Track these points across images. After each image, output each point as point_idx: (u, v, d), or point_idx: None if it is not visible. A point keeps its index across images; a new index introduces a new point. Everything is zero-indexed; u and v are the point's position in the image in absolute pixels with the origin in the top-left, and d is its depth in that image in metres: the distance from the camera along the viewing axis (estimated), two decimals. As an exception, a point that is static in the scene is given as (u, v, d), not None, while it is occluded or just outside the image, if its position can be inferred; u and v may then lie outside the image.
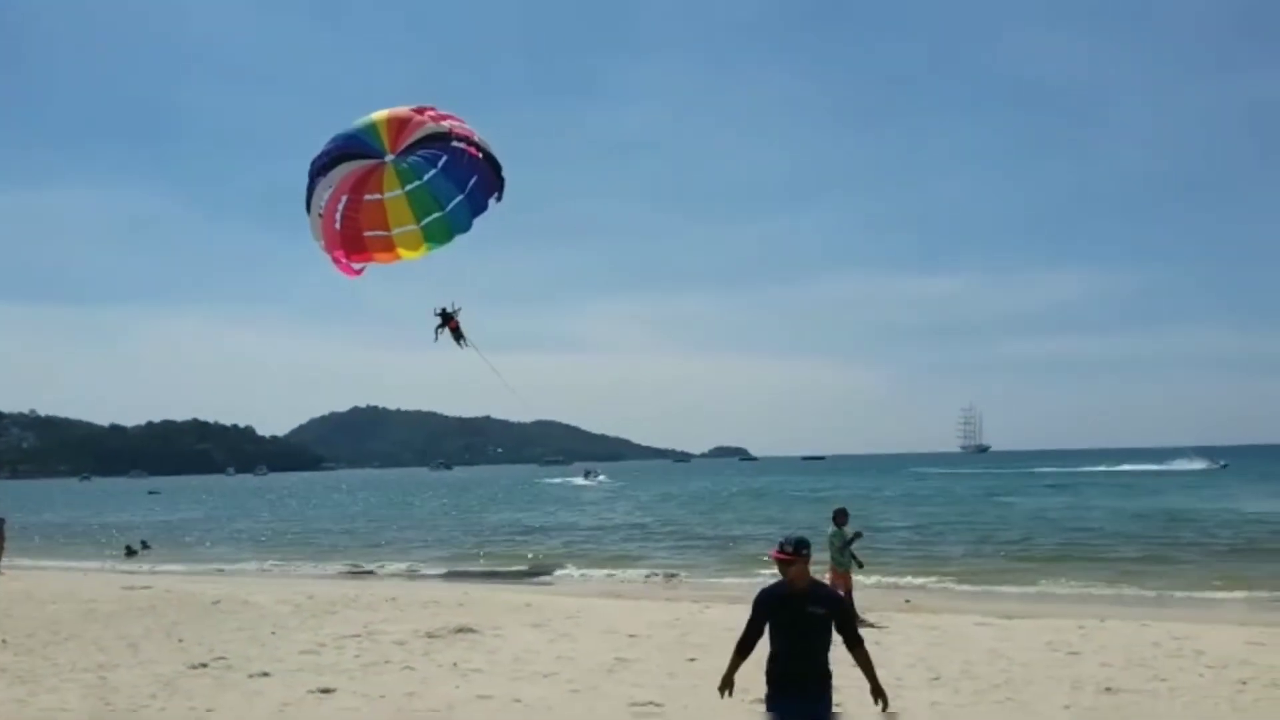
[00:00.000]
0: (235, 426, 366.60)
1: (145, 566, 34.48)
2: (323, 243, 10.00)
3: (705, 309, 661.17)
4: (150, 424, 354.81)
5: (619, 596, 21.81)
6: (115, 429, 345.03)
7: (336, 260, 10.16)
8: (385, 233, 9.47)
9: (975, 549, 33.15)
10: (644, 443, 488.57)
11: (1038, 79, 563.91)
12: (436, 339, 11.54)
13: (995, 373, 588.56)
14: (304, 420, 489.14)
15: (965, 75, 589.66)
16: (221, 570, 33.26)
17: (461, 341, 11.48)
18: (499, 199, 9.95)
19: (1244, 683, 11.38)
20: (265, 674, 12.48)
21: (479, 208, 9.71)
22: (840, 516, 16.81)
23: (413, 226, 9.48)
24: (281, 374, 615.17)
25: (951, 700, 10.86)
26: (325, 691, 11.45)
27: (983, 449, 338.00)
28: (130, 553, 39.89)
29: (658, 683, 11.83)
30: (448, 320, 11.34)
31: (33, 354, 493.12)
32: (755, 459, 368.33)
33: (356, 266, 10.13)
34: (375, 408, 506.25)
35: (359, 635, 15.52)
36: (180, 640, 15.31)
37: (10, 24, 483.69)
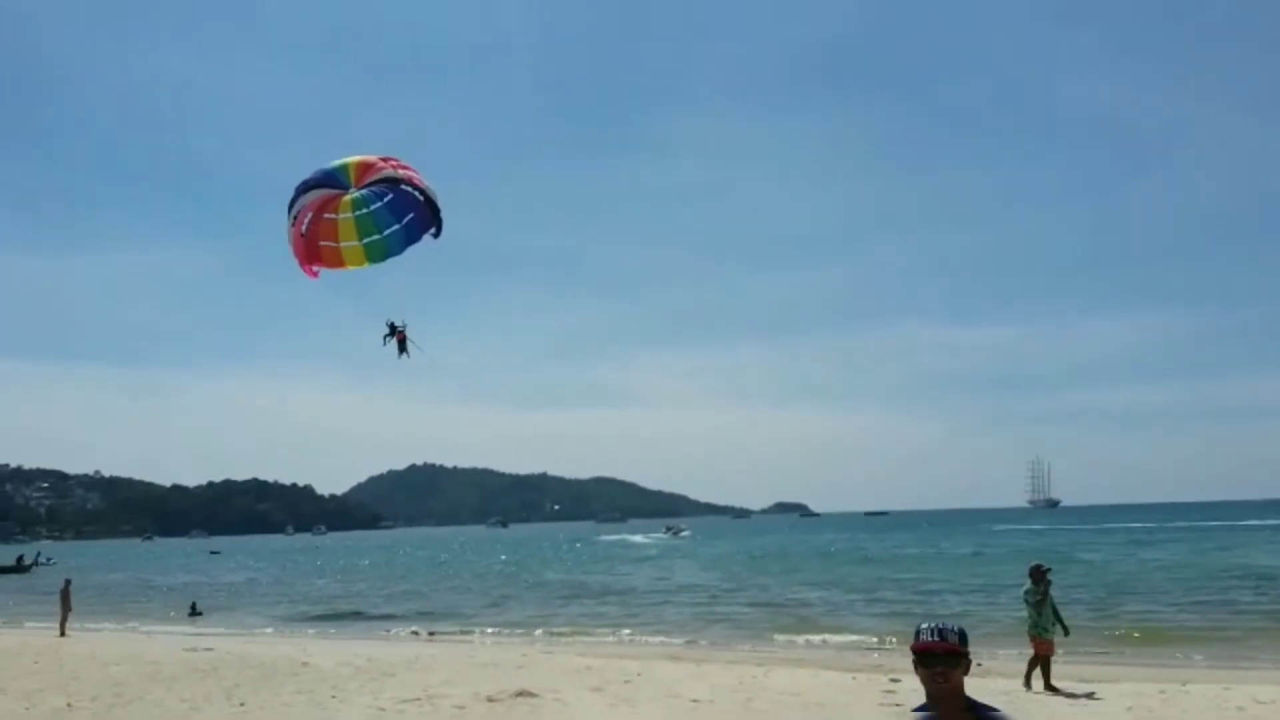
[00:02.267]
0: (294, 485, 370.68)
1: (208, 629, 34.67)
2: (291, 246, 12.35)
3: (761, 360, 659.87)
4: (211, 484, 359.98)
5: (679, 659, 21.46)
6: (177, 489, 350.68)
7: (302, 263, 12.43)
8: (335, 244, 12.06)
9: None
10: (702, 499, 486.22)
11: (1092, 120, 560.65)
12: (385, 344, 13.17)
13: (1059, 423, 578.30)
14: (362, 479, 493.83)
15: (1019, 117, 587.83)
16: (281, 632, 33.35)
17: (404, 354, 13.19)
18: (436, 235, 12.30)
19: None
20: (326, 739, 12.39)
21: (413, 238, 12.14)
22: (1038, 573, 15.76)
23: (355, 243, 11.98)
24: (340, 432, 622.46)
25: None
26: (386, 758, 11.31)
27: (1053, 503, 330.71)
28: (195, 613, 40.21)
29: (722, 750, 11.56)
30: (394, 332, 13.07)
31: (96, 415, 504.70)
32: (816, 515, 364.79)
33: (315, 269, 12.51)
34: (433, 465, 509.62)
35: (419, 699, 15.39)
36: (242, 704, 15.30)
37: (61, 90, 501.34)
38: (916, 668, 4.10)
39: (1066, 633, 15.74)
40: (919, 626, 4.15)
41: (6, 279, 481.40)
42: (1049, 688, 15.21)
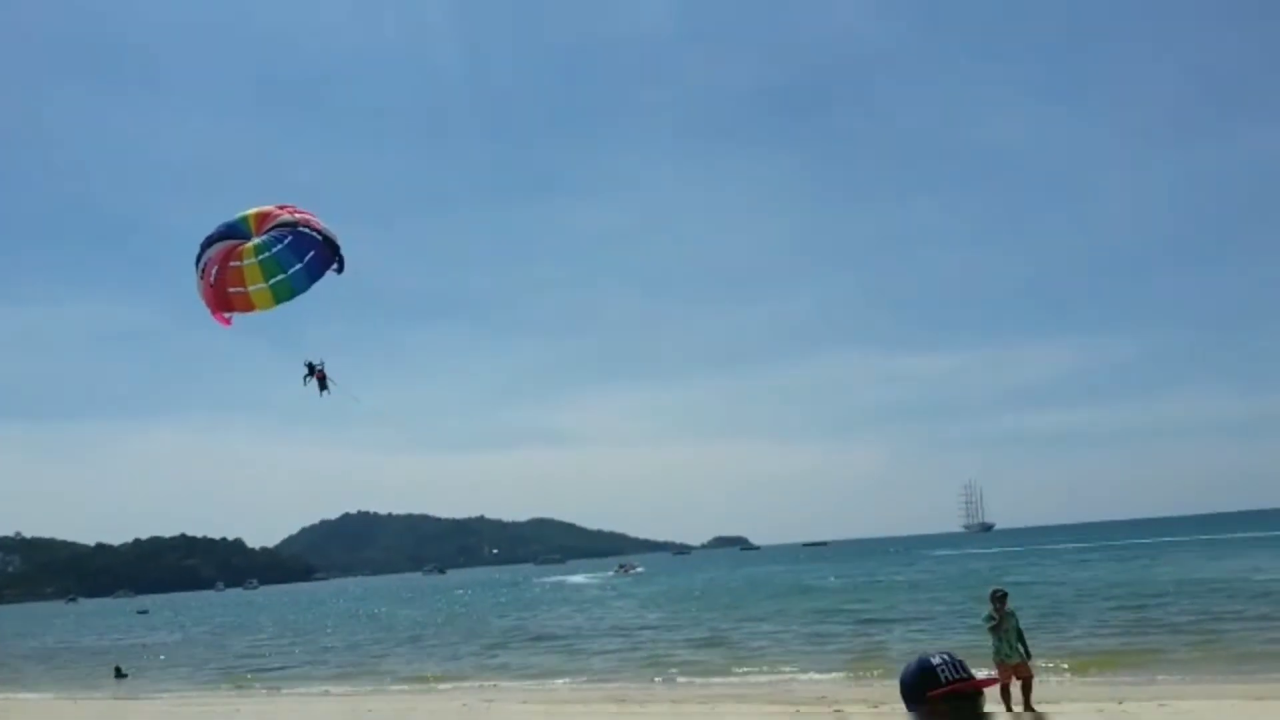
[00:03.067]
0: (224, 539, 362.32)
1: (135, 693, 33.56)
2: (202, 299, 13.02)
3: (699, 396, 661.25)
4: (137, 541, 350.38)
5: (623, 701, 21.24)
6: (101, 548, 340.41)
7: (214, 311, 13.04)
8: (244, 289, 12.68)
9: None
10: (642, 536, 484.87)
11: (1024, 152, 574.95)
12: (305, 384, 13.77)
13: (994, 448, 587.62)
14: (294, 530, 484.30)
15: (953, 150, 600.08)
16: (212, 693, 32.42)
17: (324, 392, 13.79)
18: (340, 270, 13.03)
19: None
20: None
21: (315, 276, 12.81)
22: (994, 598, 15.67)
23: (262, 285, 12.60)
24: (269, 483, 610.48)
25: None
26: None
27: (987, 527, 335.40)
28: (120, 676, 38.96)
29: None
30: (313, 371, 13.76)
31: (14, 474, 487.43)
32: (757, 548, 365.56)
33: (226, 316, 13.07)
34: (366, 513, 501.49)
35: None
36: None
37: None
38: (931, 715, 3.12)
39: (1027, 656, 15.55)
40: (924, 663, 3.18)
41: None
42: (1027, 708, 15.21)
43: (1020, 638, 15.37)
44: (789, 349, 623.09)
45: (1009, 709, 15.16)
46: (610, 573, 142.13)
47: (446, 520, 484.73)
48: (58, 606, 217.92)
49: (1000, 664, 15.06)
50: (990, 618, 15.44)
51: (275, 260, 12.59)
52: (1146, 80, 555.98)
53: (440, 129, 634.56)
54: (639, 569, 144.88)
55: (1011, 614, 15.47)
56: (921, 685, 3.13)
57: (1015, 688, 15.29)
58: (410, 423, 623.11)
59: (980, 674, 3.21)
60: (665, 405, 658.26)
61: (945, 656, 3.19)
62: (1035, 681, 15.83)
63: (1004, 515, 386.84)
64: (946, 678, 3.11)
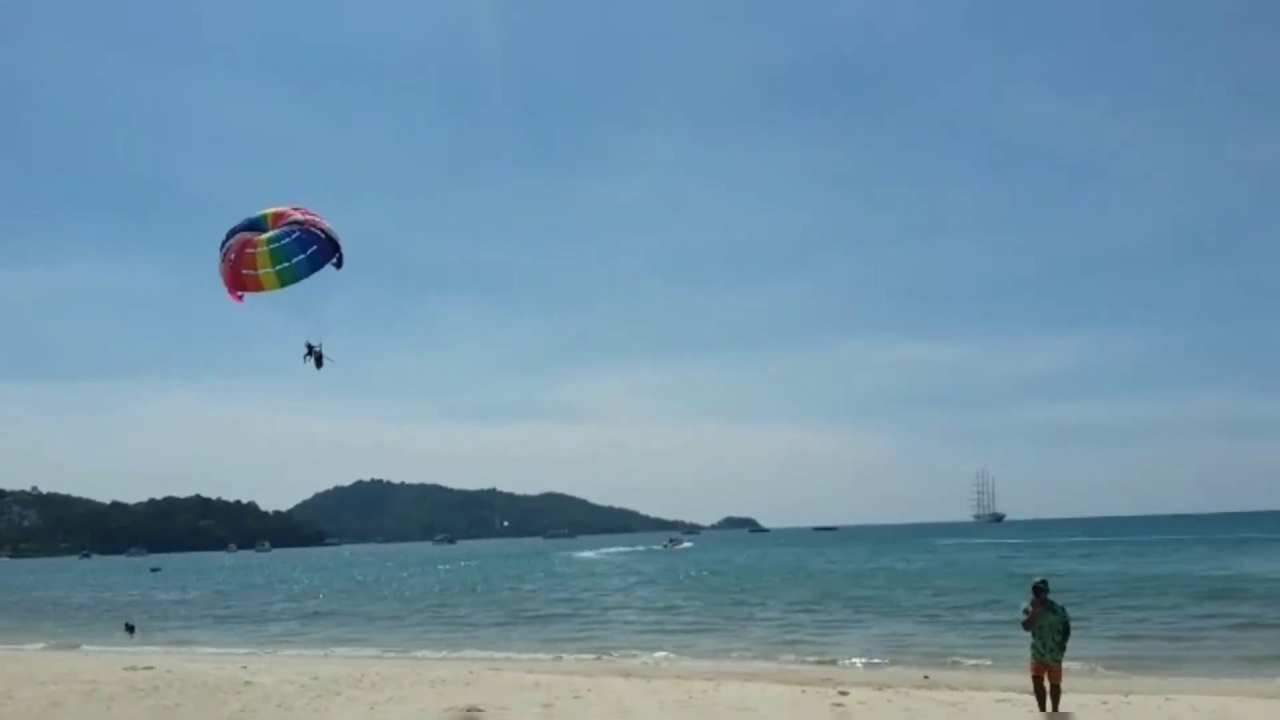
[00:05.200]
0: (238, 502, 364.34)
1: (148, 647, 33.95)
2: (221, 278, 15.17)
3: (712, 376, 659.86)
4: (152, 500, 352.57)
5: (629, 675, 21.37)
6: (117, 506, 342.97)
7: (230, 290, 15.18)
8: (255, 272, 14.92)
9: (989, 624, 32.61)
10: (652, 514, 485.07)
11: (1043, 143, 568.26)
12: (305, 361, 15.67)
13: (1006, 439, 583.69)
14: (308, 495, 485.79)
15: (971, 139, 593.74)
16: (223, 649, 32.75)
17: (320, 367, 15.76)
18: (339, 266, 15.23)
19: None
20: (270, 758, 12.17)
21: (316, 267, 15.03)
22: (1040, 591, 14.12)
23: (270, 270, 14.85)
24: (285, 448, 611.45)
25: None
26: (331, 776, 11.13)
27: (998, 517, 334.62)
28: (130, 630, 39.40)
29: (672, 764, 11.52)
30: (312, 351, 15.63)
31: (34, 431, 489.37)
32: (766, 530, 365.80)
33: (240, 295, 15.17)
34: (379, 481, 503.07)
35: (365, 718, 15.17)
36: (183, 723, 14.98)
37: (2, 98, 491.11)
38: None
39: (1059, 655, 14.11)
40: None
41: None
42: (1054, 712, 14.10)
43: (1064, 634, 13.98)
44: (804, 332, 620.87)
45: (1041, 708, 14.12)
46: (660, 546, 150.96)
47: (459, 491, 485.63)
48: (72, 562, 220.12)
49: (1036, 661, 14.08)
50: (1026, 611, 14.20)
51: (282, 251, 14.79)
52: (1170, 76, 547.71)
53: (467, 104, 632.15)
54: (687, 544, 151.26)
55: (1056, 609, 14.04)
56: None
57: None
58: (425, 393, 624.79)
59: None
60: (678, 385, 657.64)
61: None
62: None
63: (1015, 507, 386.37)
64: None
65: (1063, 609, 14.17)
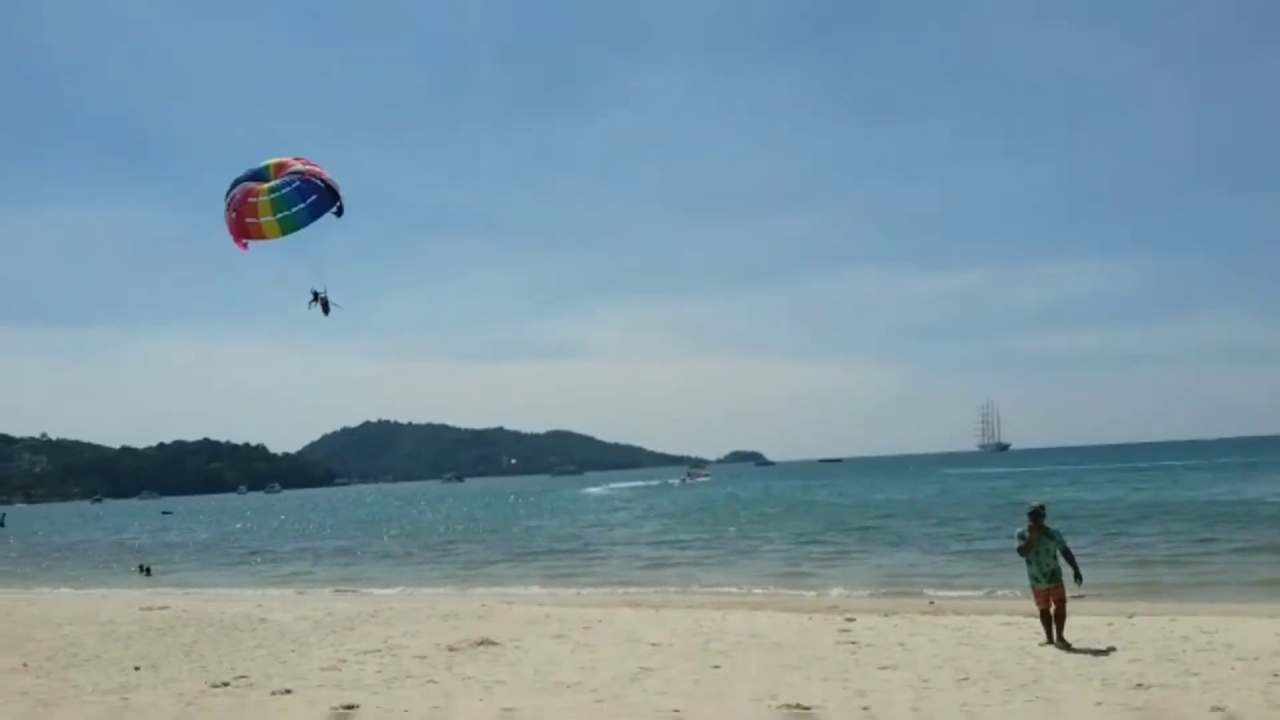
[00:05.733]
0: (247, 445, 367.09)
1: (163, 588, 34.42)
2: (227, 227, 15.55)
3: (716, 311, 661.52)
4: (161, 445, 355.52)
5: (639, 605, 21.67)
6: (126, 450, 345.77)
7: (235, 238, 15.54)
8: (257, 220, 15.35)
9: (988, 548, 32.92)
10: (658, 449, 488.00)
11: (1052, 70, 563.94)
12: (309, 308, 16.09)
13: (1012, 369, 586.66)
14: (316, 437, 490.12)
15: (977, 69, 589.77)
16: (238, 588, 33.20)
17: (327, 314, 16.23)
18: (339, 214, 15.67)
19: (1276, 675, 11.22)
20: (287, 691, 12.40)
21: (316, 215, 15.47)
22: (1036, 516, 13.82)
23: (271, 218, 15.28)
24: (293, 390, 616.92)
25: (980, 700, 10.73)
26: (349, 708, 11.35)
27: (1003, 447, 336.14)
28: (145, 572, 39.92)
29: (682, 690, 11.71)
30: (317, 298, 16.06)
31: (42, 377, 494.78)
32: (772, 463, 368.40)
33: (245, 243, 15.57)
34: (387, 422, 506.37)
35: (380, 650, 15.43)
36: (201, 660, 15.25)
37: (5, 48, 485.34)
38: None
39: (1078, 579, 13.74)
40: None
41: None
42: (1059, 640, 13.72)
43: (1067, 559, 13.67)
44: (808, 266, 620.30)
45: (1049, 639, 13.79)
46: (676, 481, 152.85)
47: (466, 430, 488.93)
48: (84, 507, 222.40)
49: (1034, 590, 13.90)
50: (1021, 536, 13.91)
51: (284, 200, 15.29)
52: (1176, 7, 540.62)
53: (461, 42, 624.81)
54: (705, 476, 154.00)
55: (1051, 534, 13.74)
56: None
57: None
58: (430, 333, 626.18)
59: None
60: (682, 320, 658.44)
61: None
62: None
63: (1020, 436, 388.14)
64: None
65: (1059, 534, 13.88)
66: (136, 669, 14.52)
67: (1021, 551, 13.90)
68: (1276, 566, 25.26)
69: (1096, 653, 13.05)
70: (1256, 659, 12.17)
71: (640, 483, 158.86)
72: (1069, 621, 14.14)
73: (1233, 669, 11.70)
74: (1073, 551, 13.95)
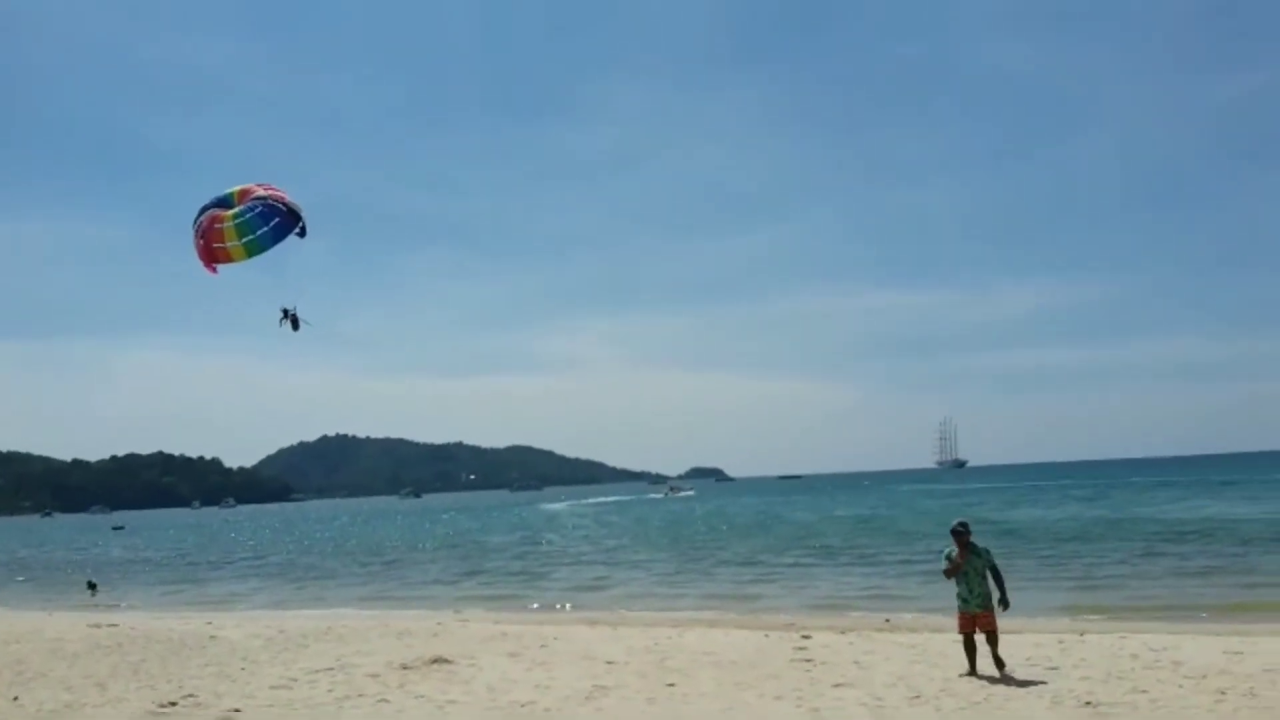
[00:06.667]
0: (201, 458, 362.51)
1: (111, 604, 33.83)
2: (197, 252, 16.05)
3: (678, 328, 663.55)
4: (114, 457, 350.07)
5: (595, 624, 21.60)
6: (78, 463, 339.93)
7: (205, 264, 16.08)
8: (224, 245, 15.93)
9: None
10: (619, 465, 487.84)
11: (1012, 87, 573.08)
12: (280, 325, 16.48)
13: (968, 386, 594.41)
14: (272, 451, 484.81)
15: (933, 87, 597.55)
16: (188, 606, 32.70)
17: (297, 330, 16.57)
18: (302, 235, 16.13)
19: (1223, 692, 11.38)
20: (236, 710, 12.22)
21: (279, 238, 16.00)
22: (961, 534, 12.86)
23: (237, 242, 15.89)
24: (248, 404, 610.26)
25: (933, 718, 10.79)
26: (298, 727, 11.20)
27: (960, 464, 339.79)
28: (92, 589, 39.21)
29: (637, 709, 11.69)
30: (287, 315, 16.46)
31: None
32: (732, 479, 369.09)
33: (214, 267, 16.12)
34: (344, 436, 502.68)
35: (332, 669, 15.25)
36: (149, 678, 14.99)
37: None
38: None
39: (1004, 605, 12.74)
40: None
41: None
42: (994, 658, 12.87)
43: (994, 580, 12.69)
44: (769, 282, 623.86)
45: (972, 669, 12.87)
46: (660, 495, 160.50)
47: (424, 445, 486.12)
48: (33, 521, 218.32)
49: (961, 612, 12.80)
50: (948, 557, 12.86)
51: (248, 224, 15.88)
52: (1141, 21, 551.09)
53: (432, 53, 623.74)
54: (687, 492, 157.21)
55: (980, 552, 12.78)
56: None
57: (981, 640, 12.80)
58: (390, 347, 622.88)
59: None
60: (642, 335, 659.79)
61: None
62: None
63: (978, 453, 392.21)
64: None
65: (986, 551, 12.85)
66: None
67: (949, 574, 12.87)
68: (1226, 586, 25.61)
69: (1047, 669, 13.17)
70: (1204, 676, 12.33)
71: (609, 498, 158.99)
72: (1021, 639, 14.23)
73: (1180, 686, 11.85)
74: (1002, 572, 12.90)
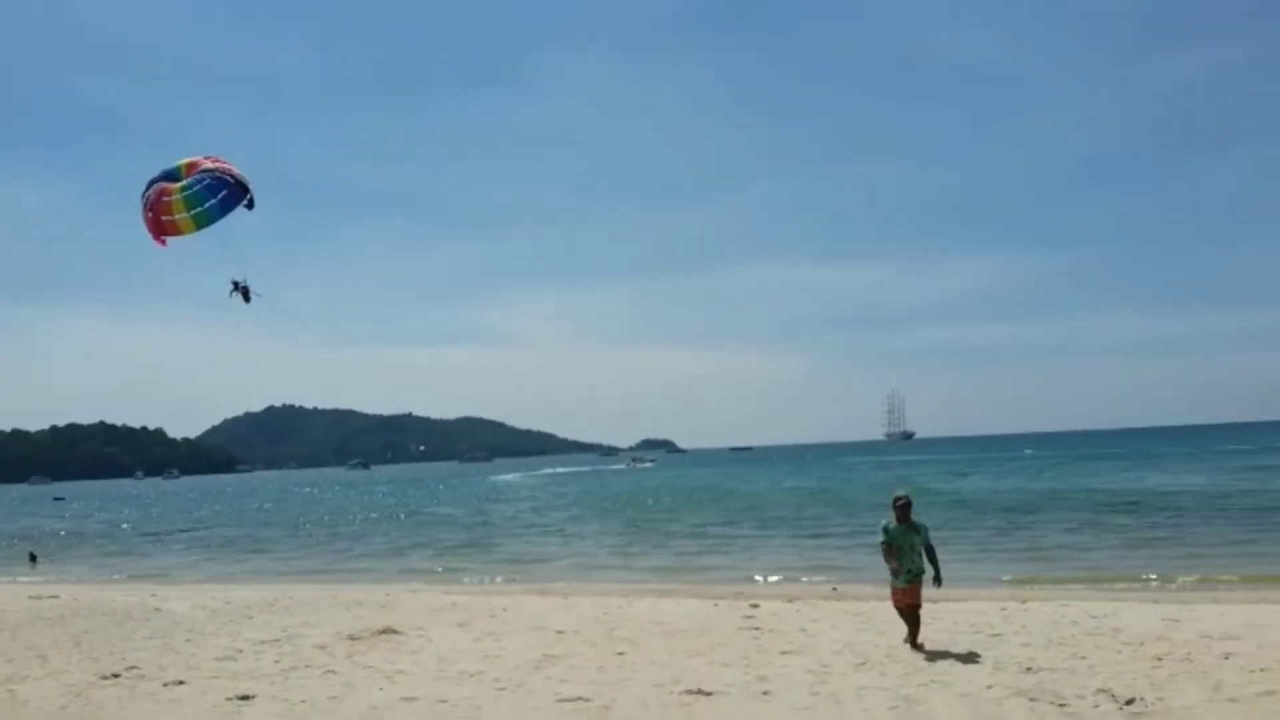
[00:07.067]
0: (144, 429, 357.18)
1: (52, 575, 33.29)
2: (145, 225, 16.09)
3: (628, 300, 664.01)
4: (54, 428, 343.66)
5: (546, 594, 21.62)
6: (17, 433, 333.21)
7: (154, 237, 16.11)
8: (173, 218, 15.94)
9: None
10: (570, 437, 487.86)
11: (951, 67, 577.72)
12: (230, 297, 16.63)
13: (916, 360, 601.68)
14: (217, 421, 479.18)
15: (880, 64, 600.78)
16: (132, 577, 32.27)
17: (248, 302, 16.71)
18: (250, 207, 16.23)
19: (1160, 658, 11.63)
20: (180, 682, 12.08)
21: (227, 209, 16.04)
22: (903, 507, 12.34)
23: (186, 214, 15.89)
24: (192, 373, 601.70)
25: (877, 683, 10.92)
26: (244, 698, 11.10)
27: (908, 436, 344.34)
28: (33, 559, 38.57)
29: (586, 677, 11.71)
30: (238, 287, 16.59)
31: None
32: (683, 451, 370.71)
33: (164, 239, 16.15)
34: (291, 406, 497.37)
35: (278, 640, 15.12)
36: (91, 650, 14.78)
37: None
38: None
39: (936, 581, 12.37)
40: None
41: None
42: (914, 645, 12.53)
43: (928, 558, 12.25)
44: (719, 255, 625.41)
45: (914, 640, 12.60)
46: (623, 466, 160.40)
47: (373, 416, 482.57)
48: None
49: (893, 587, 12.51)
50: (885, 530, 12.37)
51: (196, 197, 15.88)
52: (1094, 1, 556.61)
53: (378, 23, 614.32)
54: (648, 463, 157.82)
55: (918, 528, 12.29)
56: None
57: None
58: (338, 317, 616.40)
59: None
60: (593, 307, 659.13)
61: None
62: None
63: (924, 425, 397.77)
64: None
65: (925, 528, 12.37)
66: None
67: (887, 555, 12.32)
68: (1164, 555, 26.20)
69: (990, 636, 13.40)
70: (1142, 643, 12.59)
71: (565, 469, 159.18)
72: (964, 605, 14.44)
73: (1119, 653, 12.09)
74: (936, 549, 12.44)
